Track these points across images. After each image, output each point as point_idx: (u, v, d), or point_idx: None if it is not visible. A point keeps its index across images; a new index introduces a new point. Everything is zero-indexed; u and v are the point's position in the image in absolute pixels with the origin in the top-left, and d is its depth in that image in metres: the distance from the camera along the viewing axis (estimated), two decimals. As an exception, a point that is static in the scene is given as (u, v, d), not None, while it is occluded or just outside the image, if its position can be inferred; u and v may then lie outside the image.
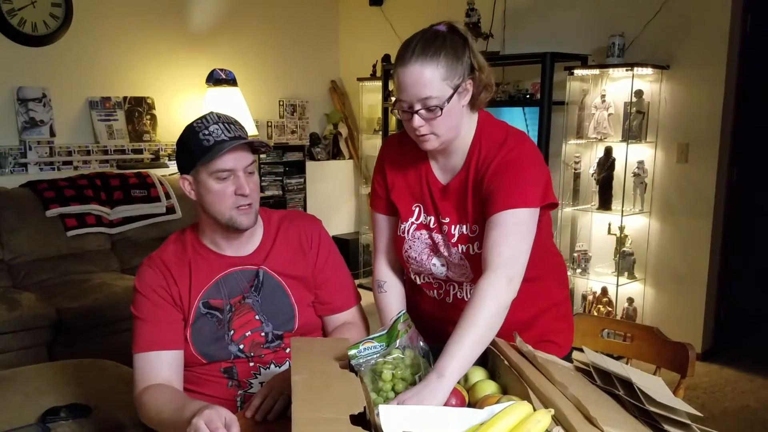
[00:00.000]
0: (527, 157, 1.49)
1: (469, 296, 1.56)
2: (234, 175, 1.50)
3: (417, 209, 1.63)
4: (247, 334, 1.58)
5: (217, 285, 1.59)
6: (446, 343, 1.28)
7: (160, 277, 1.58)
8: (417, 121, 1.44)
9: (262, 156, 4.74)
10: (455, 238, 1.55)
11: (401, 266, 1.72)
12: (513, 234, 1.42)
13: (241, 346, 1.57)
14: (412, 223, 1.63)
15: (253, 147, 1.56)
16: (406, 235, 1.63)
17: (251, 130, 4.61)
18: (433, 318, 1.69)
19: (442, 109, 1.42)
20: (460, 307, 1.44)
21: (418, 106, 1.42)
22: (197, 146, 1.48)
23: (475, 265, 1.52)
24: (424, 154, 1.62)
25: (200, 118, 1.53)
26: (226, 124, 1.51)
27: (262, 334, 1.59)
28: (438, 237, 1.59)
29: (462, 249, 1.54)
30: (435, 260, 1.61)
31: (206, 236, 1.62)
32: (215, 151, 1.46)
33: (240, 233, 1.58)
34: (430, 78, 1.40)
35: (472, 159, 1.53)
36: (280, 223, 1.69)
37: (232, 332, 1.57)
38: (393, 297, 1.71)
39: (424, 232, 1.61)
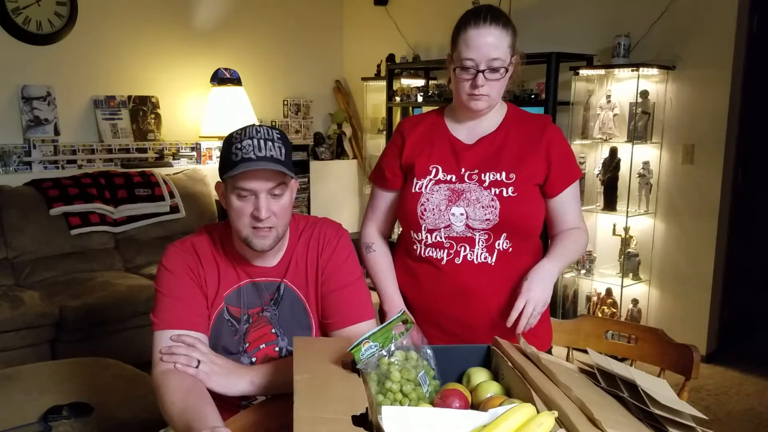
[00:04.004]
0: (562, 132, 1.77)
1: (479, 260, 1.68)
2: (255, 196, 1.43)
3: (435, 170, 1.72)
4: (261, 347, 1.56)
5: (238, 291, 1.56)
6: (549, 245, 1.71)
7: (191, 260, 1.52)
8: (481, 80, 1.59)
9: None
10: (487, 183, 1.66)
11: (387, 233, 1.88)
12: (577, 205, 1.77)
13: (254, 359, 1.55)
14: (430, 179, 1.71)
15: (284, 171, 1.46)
16: (423, 189, 1.71)
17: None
18: (432, 298, 1.73)
19: (507, 70, 1.61)
20: (469, 271, 1.67)
21: (483, 66, 1.58)
22: (227, 158, 1.44)
23: (505, 208, 1.64)
24: (442, 124, 1.76)
25: (242, 129, 1.46)
26: (261, 141, 1.43)
27: (276, 348, 1.57)
28: (463, 186, 1.68)
29: (495, 192, 1.65)
30: (454, 209, 1.67)
31: (235, 240, 1.55)
32: (237, 169, 1.40)
33: (266, 252, 1.51)
34: (500, 41, 1.58)
35: (510, 124, 1.72)
36: (303, 230, 1.61)
37: (247, 344, 1.55)
38: (381, 255, 1.84)
39: (443, 185, 1.70)
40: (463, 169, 1.69)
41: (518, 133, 1.70)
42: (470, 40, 1.58)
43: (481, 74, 1.58)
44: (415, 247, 1.74)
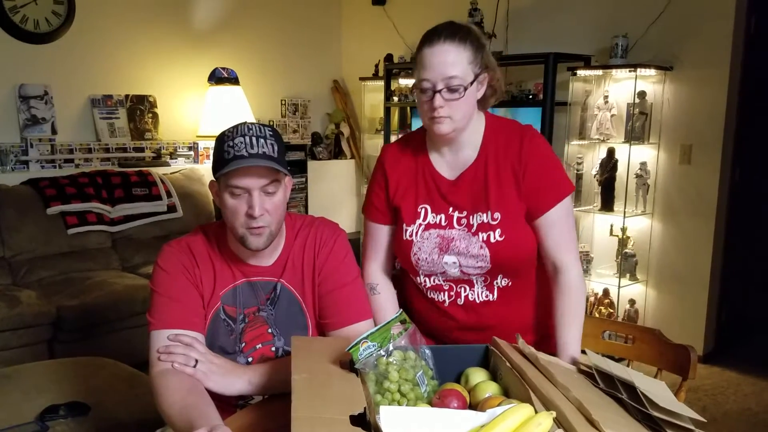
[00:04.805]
0: (547, 146, 1.63)
1: (480, 299, 1.64)
2: (248, 194, 1.42)
3: (423, 210, 1.65)
4: (257, 346, 1.56)
5: (234, 291, 1.55)
6: (558, 333, 1.56)
7: (187, 260, 1.52)
8: (438, 100, 1.49)
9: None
10: (474, 228, 1.59)
11: (390, 271, 1.79)
12: (567, 224, 1.61)
13: (250, 359, 1.55)
14: (420, 224, 1.65)
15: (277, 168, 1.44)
16: (414, 237, 1.65)
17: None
18: (438, 327, 1.70)
19: (466, 89, 1.49)
20: (473, 310, 1.62)
21: (440, 86, 1.49)
22: (219, 156, 1.43)
23: (494, 254, 1.58)
24: (425, 156, 1.66)
25: (233, 127, 1.45)
26: (254, 138, 1.42)
27: (273, 348, 1.56)
28: (452, 232, 1.61)
29: (483, 237, 1.58)
30: (447, 257, 1.63)
31: (230, 240, 1.55)
32: (230, 167, 1.39)
33: (261, 251, 1.50)
34: (457, 58, 1.48)
35: (488, 150, 1.61)
36: (300, 230, 1.60)
37: (243, 344, 1.55)
38: (387, 297, 1.77)
39: (433, 231, 1.64)
40: (451, 209, 1.63)
41: (497, 159, 1.60)
42: (425, 59, 1.50)
43: (438, 94, 1.49)
44: (422, 279, 1.72)
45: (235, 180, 1.41)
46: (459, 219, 1.62)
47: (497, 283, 1.65)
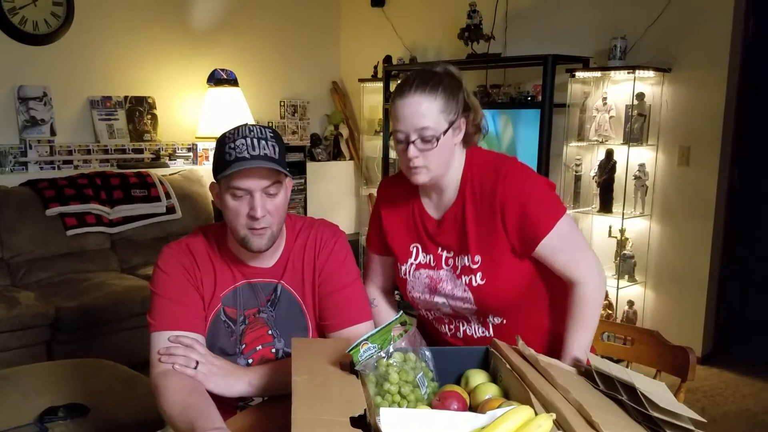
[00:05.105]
0: (527, 175, 1.56)
1: (477, 334, 1.65)
2: (250, 195, 1.42)
3: (415, 249, 1.68)
4: (258, 348, 1.56)
5: (234, 292, 1.55)
6: (566, 336, 1.56)
7: (187, 261, 1.52)
8: (412, 151, 1.49)
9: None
10: (459, 270, 1.60)
11: (389, 290, 1.83)
12: (570, 244, 1.55)
13: (250, 361, 1.55)
14: (411, 264, 1.67)
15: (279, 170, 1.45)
16: (408, 276, 1.68)
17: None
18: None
19: (438, 140, 1.48)
20: (474, 343, 1.61)
21: (414, 137, 1.48)
22: (220, 158, 1.43)
23: (478, 298, 1.58)
24: (416, 193, 1.67)
25: (234, 129, 1.46)
26: (255, 140, 1.42)
27: (273, 350, 1.56)
28: (440, 273, 1.63)
29: (466, 281, 1.58)
30: (437, 298, 1.65)
31: (230, 241, 1.55)
32: (232, 168, 1.39)
33: (262, 252, 1.50)
34: (428, 108, 1.47)
35: (465, 191, 1.58)
36: (300, 232, 1.60)
37: (243, 346, 1.55)
38: (384, 309, 1.81)
39: (423, 271, 1.66)
40: (439, 248, 1.64)
41: (474, 200, 1.57)
42: (397, 110, 1.50)
43: (412, 145, 1.48)
44: (424, 313, 1.75)
45: (237, 182, 1.41)
46: (447, 259, 1.63)
47: (490, 320, 1.65)
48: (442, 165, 1.53)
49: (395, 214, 1.71)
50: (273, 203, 1.46)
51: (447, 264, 1.62)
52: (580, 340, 1.54)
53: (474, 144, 1.63)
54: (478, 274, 1.56)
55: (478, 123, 1.59)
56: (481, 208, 1.56)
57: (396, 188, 1.70)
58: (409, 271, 1.68)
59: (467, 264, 1.58)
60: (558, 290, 1.62)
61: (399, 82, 1.54)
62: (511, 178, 1.53)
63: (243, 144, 1.41)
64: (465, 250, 1.58)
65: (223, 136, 1.47)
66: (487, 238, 1.55)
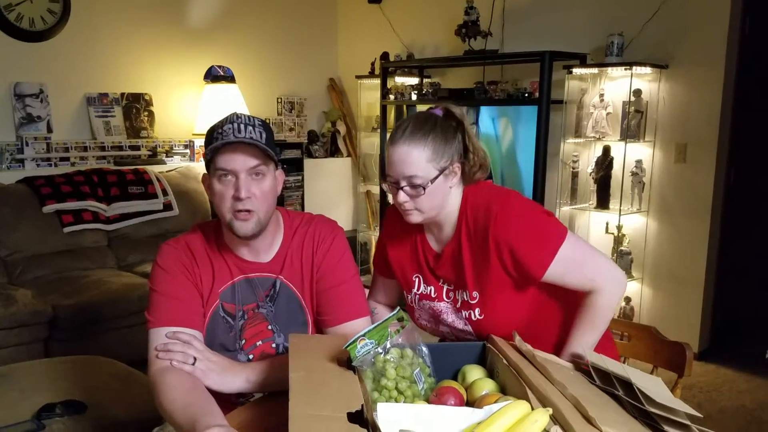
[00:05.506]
0: (519, 212, 1.54)
1: None
2: (236, 178, 1.44)
3: (417, 280, 1.70)
4: (258, 343, 1.56)
5: (233, 288, 1.56)
6: (570, 334, 1.55)
7: (186, 259, 1.53)
8: (401, 196, 1.52)
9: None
10: (459, 303, 1.61)
11: (393, 307, 1.82)
12: (579, 261, 1.53)
13: (251, 356, 1.55)
14: (415, 293, 1.70)
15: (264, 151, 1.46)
16: (414, 305, 1.71)
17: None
18: None
19: (425, 188, 1.49)
20: None
21: (403, 183, 1.51)
22: (208, 144, 1.46)
23: (477, 332, 1.59)
24: (420, 225, 1.67)
25: (224, 117, 1.49)
26: (242, 125, 1.45)
27: (273, 345, 1.57)
28: (441, 305, 1.65)
29: (465, 315, 1.60)
30: (441, 327, 1.68)
31: (226, 236, 1.56)
32: (215, 148, 1.42)
33: (249, 239, 1.50)
34: (416, 158, 1.48)
35: (461, 229, 1.59)
36: (298, 227, 1.61)
37: (243, 341, 1.55)
38: (384, 312, 1.79)
39: (425, 302, 1.68)
40: (440, 281, 1.66)
41: (469, 238, 1.58)
42: (389, 156, 1.52)
43: (401, 190, 1.51)
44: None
45: (222, 162, 1.43)
46: (448, 292, 1.65)
47: None
48: (434, 208, 1.55)
49: (399, 245, 1.73)
50: (259, 187, 1.46)
51: (447, 297, 1.65)
52: (586, 338, 1.54)
53: (477, 182, 1.62)
54: (477, 310, 1.58)
55: (480, 163, 1.59)
56: (476, 246, 1.56)
57: (400, 217, 1.69)
58: (415, 301, 1.71)
59: (466, 299, 1.60)
60: (573, 304, 1.60)
61: (395, 125, 1.55)
62: (501, 218, 1.51)
63: (230, 128, 1.44)
64: (463, 286, 1.60)
65: (212, 125, 1.50)
66: (483, 275, 1.56)
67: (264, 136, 1.47)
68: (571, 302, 1.60)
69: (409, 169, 1.49)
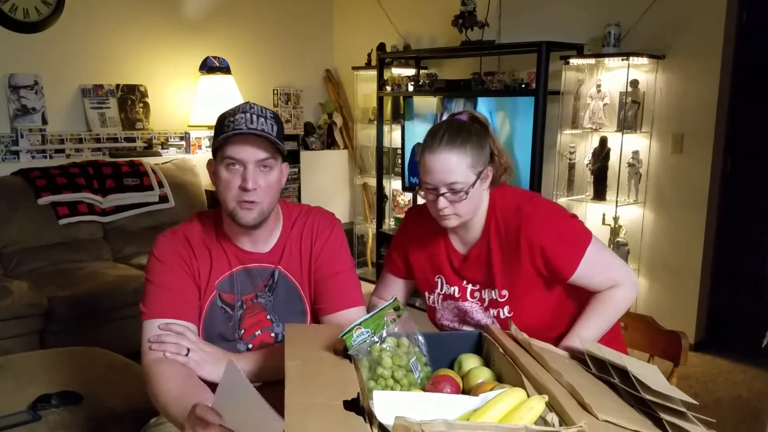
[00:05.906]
0: (548, 214, 1.61)
1: None
2: (244, 168, 1.44)
3: (439, 281, 1.73)
4: (257, 333, 1.56)
5: (231, 278, 1.56)
6: (575, 324, 1.58)
7: (182, 250, 1.53)
8: (442, 203, 1.54)
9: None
10: (486, 302, 1.65)
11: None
12: (601, 262, 1.60)
13: (250, 346, 1.56)
14: (438, 294, 1.73)
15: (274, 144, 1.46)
16: (436, 305, 1.74)
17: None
18: None
19: (467, 193, 1.53)
20: None
21: (443, 190, 1.53)
22: (218, 130, 1.46)
23: (504, 326, 1.59)
24: (442, 230, 1.70)
25: (236, 106, 1.48)
26: (255, 116, 1.44)
27: (272, 334, 1.57)
28: (466, 305, 1.68)
29: (493, 313, 1.64)
30: (465, 327, 1.71)
31: (226, 225, 1.56)
32: (227, 137, 1.42)
33: (251, 228, 1.51)
34: (457, 165, 1.52)
35: (490, 229, 1.63)
36: (297, 219, 1.62)
37: (242, 331, 1.55)
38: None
39: (450, 302, 1.71)
40: (465, 281, 1.69)
41: (499, 240, 1.63)
42: (427, 164, 1.54)
43: (441, 197, 1.54)
44: None
45: (232, 151, 1.43)
46: (473, 292, 1.68)
47: None
48: (471, 211, 1.59)
49: (422, 247, 1.75)
50: (266, 179, 1.46)
51: (473, 296, 1.68)
52: (587, 331, 1.56)
53: (501, 184, 1.67)
54: (506, 308, 1.62)
55: (505, 166, 1.64)
56: (507, 247, 1.61)
57: (423, 220, 1.73)
58: (437, 301, 1.74)
59: (494, 297, 1.63)
60: (585, 302, 1.64)
61: (427, 132, 1.58)
62: (532, 218, 1.58)
63: (242, 118, 1.43)
64: (491, 285, 1.64)
65: (224, 112, 1.49)
66: (513, 274, 1.60)
67: (275, 129, 1.47)
68: (583, 301, 1.64)
69: (451, 176, 1.52)
